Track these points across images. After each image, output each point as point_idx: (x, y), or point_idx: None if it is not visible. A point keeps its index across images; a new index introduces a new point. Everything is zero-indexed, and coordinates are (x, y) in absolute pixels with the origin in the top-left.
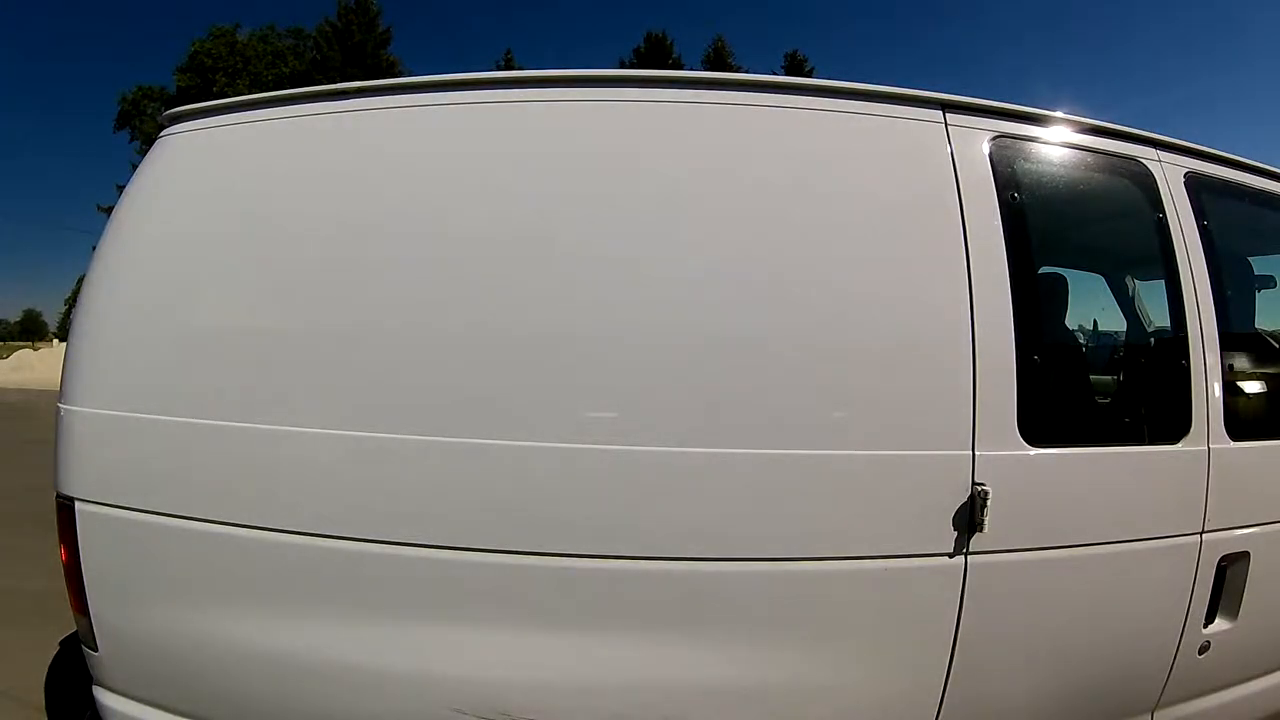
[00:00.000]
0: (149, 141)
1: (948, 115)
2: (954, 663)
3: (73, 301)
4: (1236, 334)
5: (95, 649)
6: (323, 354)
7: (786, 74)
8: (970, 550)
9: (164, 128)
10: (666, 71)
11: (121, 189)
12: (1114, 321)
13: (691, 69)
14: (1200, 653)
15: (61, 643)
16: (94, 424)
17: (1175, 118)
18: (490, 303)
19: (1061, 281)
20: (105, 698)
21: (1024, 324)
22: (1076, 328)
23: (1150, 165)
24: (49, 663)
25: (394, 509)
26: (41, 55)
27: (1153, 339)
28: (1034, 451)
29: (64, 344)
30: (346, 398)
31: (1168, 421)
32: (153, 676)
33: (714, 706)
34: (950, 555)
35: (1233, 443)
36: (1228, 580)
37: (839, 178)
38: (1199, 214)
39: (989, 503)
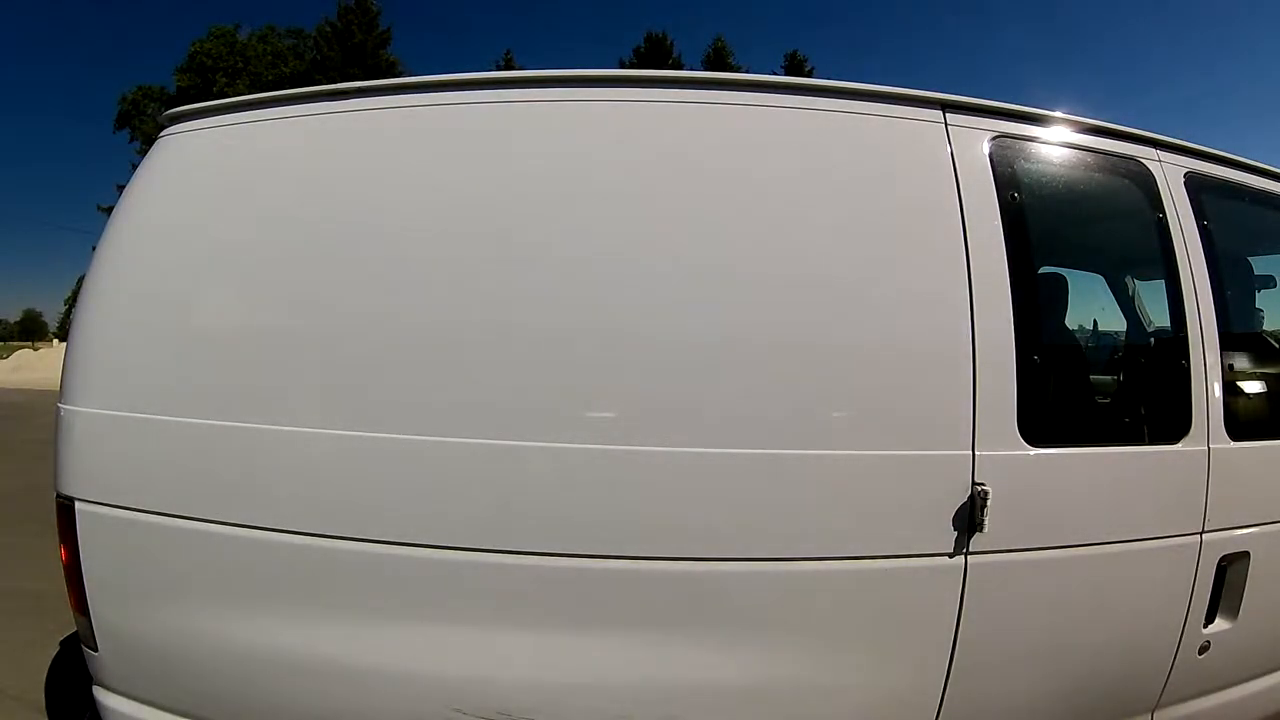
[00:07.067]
0: (149, 141)
1: (948, 115)
2: (954, 663)
3: (73, 301)
4: (1236, 334)
5: (95, 649)
6: (322, 354)
7: (786, 74)
8: (970, 550)
9: (164, 128)
10: (667, 72)
11: (121, 189)
12: (1114, 321)
13: (691, 69)
14: (1200, 653)
15: (61, 643)
16: (94, 424)
17: (1175, 117)
18: (490, 302)
19: (1061, 281)
20: (105, 698)
21: (1024, 324)
22: (1076, 328)
23: (1150, 165)
24: (49, 663)
25: (394, 509)
26: (41, 55)
27: (1153, 339)
28: (1034, 451)
29: (64, 344)
30: (346, 397)
31: (1168, 421)
32: (153, 676)
33: (714, 706)
34: (950, 555)
35: (1233, 443)
36: (1228, 580)
37: (839, 178)
38: (1199, 214)
39: (989, 503)
